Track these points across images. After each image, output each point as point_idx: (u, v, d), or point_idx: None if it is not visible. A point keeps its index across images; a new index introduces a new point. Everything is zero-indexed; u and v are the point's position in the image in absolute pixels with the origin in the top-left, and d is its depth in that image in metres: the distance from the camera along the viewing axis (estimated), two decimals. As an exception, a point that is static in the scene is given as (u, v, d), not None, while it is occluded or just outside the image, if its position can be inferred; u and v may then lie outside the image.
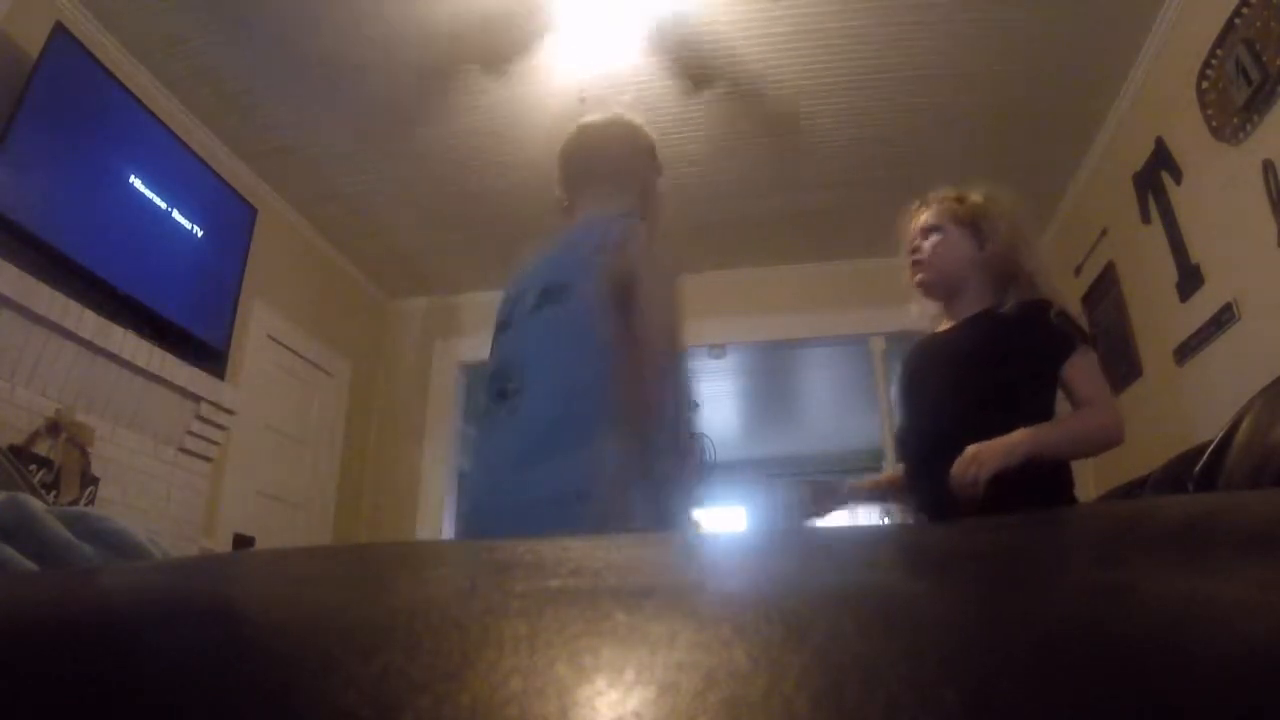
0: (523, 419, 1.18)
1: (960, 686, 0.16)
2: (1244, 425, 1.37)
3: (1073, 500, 1.44)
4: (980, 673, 0.17)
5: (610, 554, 0.31)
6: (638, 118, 1.55)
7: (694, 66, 2.63)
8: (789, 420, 6.63)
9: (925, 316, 1.65)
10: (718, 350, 4.04)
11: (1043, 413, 1.39)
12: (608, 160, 1.48)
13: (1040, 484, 1.32)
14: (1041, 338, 1.41)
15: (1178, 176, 2.48)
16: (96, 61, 2.36)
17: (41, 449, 2.08)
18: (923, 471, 1.48)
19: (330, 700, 0.17)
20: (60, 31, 2.21)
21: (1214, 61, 2.21)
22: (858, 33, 2.54)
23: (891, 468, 1.84)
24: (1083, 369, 1.41)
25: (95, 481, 2.25)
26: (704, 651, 0.18)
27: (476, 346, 1.53)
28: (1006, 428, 1.31)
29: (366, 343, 4.10)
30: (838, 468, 7.49)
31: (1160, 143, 2.55)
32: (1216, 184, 2.27)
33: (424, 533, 3.83)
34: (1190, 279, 2.43)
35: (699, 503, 1.25)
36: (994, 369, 1.43)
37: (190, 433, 2.68)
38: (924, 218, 1.61)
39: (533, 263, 1.40)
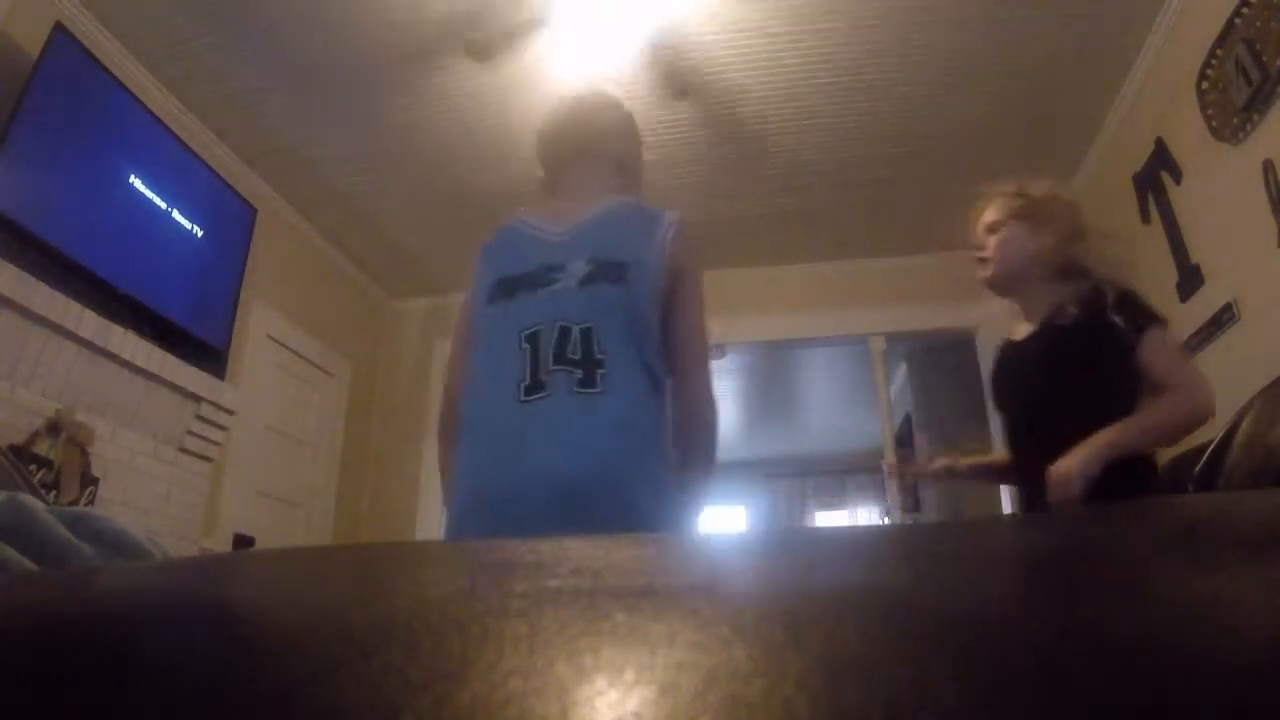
0: (612, 396, 1.13)
1: (961, 687, 0.16)
2: (1244, 425, 1.37)
3: (1155, 481, 1.44)
4: (981, 673, 0.17)
5: (610, 554, 0.31)
6: (626, 101, 1.50)
7: (685, 71, 2.63)
8: (789, 420, 6.64)
9: (1008, 315, 1.67)
10: (717, 350, 4.02)
11: (1125, 407, 1.37)
12: (608, 142, 1.41)
13: (1123, 474, 1.32)
14: (1099, 340, 1.40)
15: (1178, 176, 2.48)
16: (96, 61, 2.36)
17: (41, 449, 2.08)
18: (1018, 474, 1.58)
19: (330, 700, 0.17)
20: (60, 31, 2.21)
21: (1214, 61, 2.21)
22: (857, 33, 2.54)
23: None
24: (1151, 354, 1.38)
25: (95, 481, 2.25)
26: (704, 651, 0.18)
27: (476, 347, 1.48)
28: (1084, 435, 1.33)
29: (366, 343, 4.10)
30: (837, 467, 7.52)
31: (1160, 143, 2.55)
32: (1216, 184, 2.27)
33: (424, 533, 3.83)
34: (1190, 279, 2.43)
35: (710, 501, 1.26)
36: (1059, 385, 1.44)
37: (190, 433, 2.68)
38: (987, 215, 1.61)
39: (563, 227, 1.30)
